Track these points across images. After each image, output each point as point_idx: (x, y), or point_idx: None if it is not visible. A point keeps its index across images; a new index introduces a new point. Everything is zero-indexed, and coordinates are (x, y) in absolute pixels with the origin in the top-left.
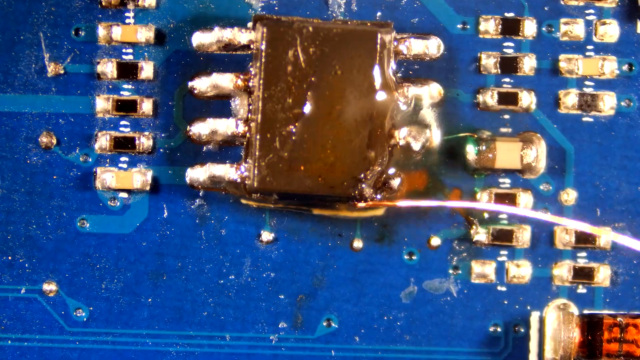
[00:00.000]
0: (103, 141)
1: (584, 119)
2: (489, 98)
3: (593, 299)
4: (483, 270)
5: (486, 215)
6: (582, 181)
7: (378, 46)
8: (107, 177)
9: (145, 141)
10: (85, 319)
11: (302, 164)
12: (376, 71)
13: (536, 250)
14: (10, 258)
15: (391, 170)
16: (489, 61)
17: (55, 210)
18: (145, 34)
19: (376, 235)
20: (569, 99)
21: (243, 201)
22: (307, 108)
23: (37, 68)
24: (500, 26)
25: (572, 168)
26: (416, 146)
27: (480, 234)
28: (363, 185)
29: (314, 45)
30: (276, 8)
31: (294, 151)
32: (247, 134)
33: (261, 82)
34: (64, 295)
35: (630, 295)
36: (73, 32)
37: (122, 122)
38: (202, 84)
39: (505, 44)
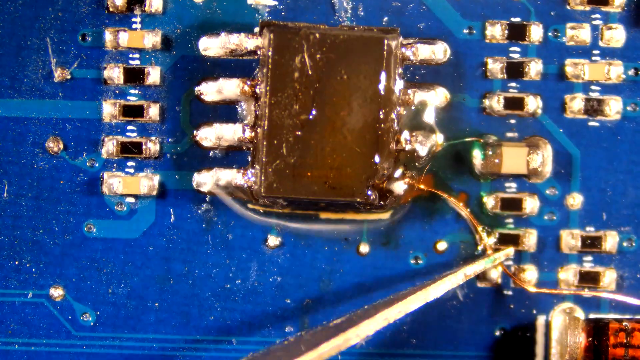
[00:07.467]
0: (110, 146)
1: (590, 123)
2: (495, 103)
3: (599, 303)
4: (489, 274)
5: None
6: (588, 186)
7: (385, 52)
8: (114, 182)
9: (152, 146)
10: (92, 324)
11: (308, 170)
12: (383, 77)
13: (542, 255)
14: (17, 263)
15: (397, 175)
16: (495, 66)
17: (62, 215)
18: (152, 39)
19: (382, 239)
20: (575, 104)
21: (250, 206)
22: (314, 114)
23: (44, 73)
24: (506, 31)
25: (578, 172)
26: (423, 151)
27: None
28: (369, 191)
29: (321, 52)
30: (283, 13)
31: (301, 157)
32: (254, 140)
33: (268, 88)
34: (71, 300)
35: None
36: (80, 38)
37: (129, 127)
38: (208, 89)
39: (512, 48)
